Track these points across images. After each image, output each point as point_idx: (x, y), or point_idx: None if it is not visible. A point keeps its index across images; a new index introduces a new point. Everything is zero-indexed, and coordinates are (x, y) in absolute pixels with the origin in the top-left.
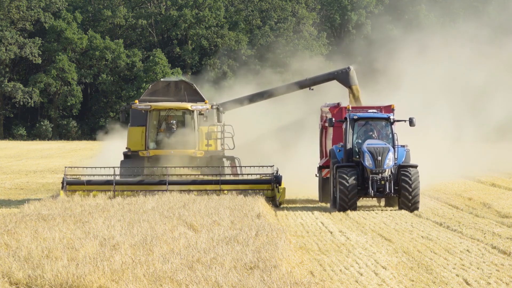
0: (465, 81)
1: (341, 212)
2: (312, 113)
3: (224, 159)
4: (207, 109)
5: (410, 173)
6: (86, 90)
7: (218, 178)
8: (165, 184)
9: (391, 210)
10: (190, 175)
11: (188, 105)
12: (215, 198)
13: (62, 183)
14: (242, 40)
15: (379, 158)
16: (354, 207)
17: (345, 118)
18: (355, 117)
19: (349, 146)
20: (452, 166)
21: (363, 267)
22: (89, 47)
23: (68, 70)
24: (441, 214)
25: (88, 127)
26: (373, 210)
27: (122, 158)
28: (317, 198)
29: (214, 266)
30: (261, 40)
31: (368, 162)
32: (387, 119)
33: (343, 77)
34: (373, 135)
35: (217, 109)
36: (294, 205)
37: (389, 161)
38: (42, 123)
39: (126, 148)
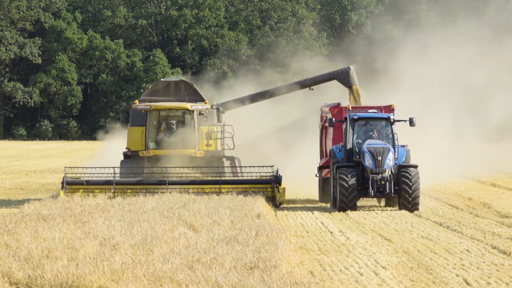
0: (465, 81)
1: (341, 212)
2: (312, 113)
3: (224, 159)
4: (207, 109)
5: (410, 173)
6: (86, 90)
7: (218, 178)
8: (165, 184)
9: (391, 210)
10: (190, 173)
11: (188, 105)
12: (215, 198)
13: (62, 183)
14: (242, 40)
15: (379, 158)
16: (354, 207)
17: (345, 118)
18: (355, 117)
19: (349, 146)
20: (452, 166)
21: (363, 267)
22: (89, 47)
23: (68, 70)
24: (441, 214)
25: (88, 127)
26: (373, 210)
27: (122, 158)
28: (317, 198)
29: (214, 266)
30: (261, 40)
31: (368, 162)
32: (387, 119)
33: (343, 77)
34: (373, 135)
35: (217, 109)
36: (294, 205)
37: (389, 161)
38: (42, 123)
39: (126, 148)
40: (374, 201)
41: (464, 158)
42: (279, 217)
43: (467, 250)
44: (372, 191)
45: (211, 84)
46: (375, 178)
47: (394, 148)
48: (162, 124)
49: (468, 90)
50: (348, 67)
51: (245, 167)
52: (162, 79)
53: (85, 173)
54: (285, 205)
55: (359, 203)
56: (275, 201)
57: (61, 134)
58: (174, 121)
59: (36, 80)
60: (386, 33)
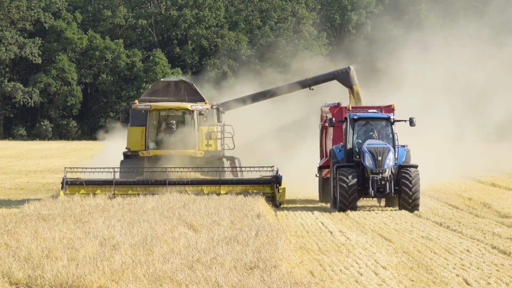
0: (465, 81)
1: (341, 212)
2: (312, 113)
3: (224, 159)
4: (207, 109)
5: (410, 173)
6: (86, 90)
7: (218, 178)
8: (165, 184)
9: (391, 210)
10: (190, 172)
11: (188, 105)
12: (215, 198)
13: (62, 183)
14: (242, 40)
15: (379, 158)
16: (354, 207)
17: (345, 118)
18: (355, 117)
19: (349, 146)
20: (452, 166)
21: (363, 267)
22: (89, 47)
23: (68, 70)
24: (441, 214)
25: (88, 127)
26: (373, 210)
27: (122, 158)
28: (317, 198)
29: (214, 266)
30: (261, 40)
31: (368, 162)
32: (387, 119)
33: (343, 77)
34: (374, 135)
35: (217, 109)
36: (294, 205)
37: (389, 161)
38: (42, 123)
39: (126, 148)
40: (374, 201)
41: (464, 158)
42: (279, 217)
43: (467, 250)
44: (372, 191)
45: (211, 84)
46: (375, 178)
47: (394, 148)
48: (162, 124)
49: (468, 90)
50: (348, 67)
51: (245, 168)
52: (162, 79)
53: (85, 173)
54: (285, 205)
55: (359, 203)
56: (275, 201)
57: (61, 134)
58: (174, 121)
59: (36, 80)
60: (386, 33)
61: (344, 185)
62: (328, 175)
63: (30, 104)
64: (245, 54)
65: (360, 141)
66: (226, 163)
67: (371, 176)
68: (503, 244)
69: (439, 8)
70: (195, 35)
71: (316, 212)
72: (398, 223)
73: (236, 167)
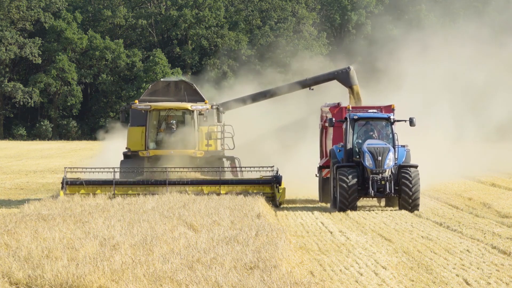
0: (465, 81)
1: (341, 212)
2: (312, 113)
3: (224, 159)
4: (207, 109)
5: (410, 173)
6: (86, 90)
7: (218, 178)
8: (165, 184)
9: (391, 210)
10: (190, 172)
11: (188, 105)
12: (215, 198)
13: (62, 183)
14: (242, 40)
15: (380, 158)
16: (354, 207)
17: (345, 118)
18: (355, 117)
19: (349, 146)
20: (452, 166)
21: (363, 267)
22: (89, 47)
23: (68, 70)
24: (441, 214)
25: (88, 127)
26: (373, 210)
27: (122, 158)
28: (317, 198)
29: (214, 266)
30: (261, 40)
31: (368, 162)
32: (387, 119)
33: (343, 77)
34: (374, 135)
35: (217, 109)
36: (294, 205)
37: (390, 161)
38: (42, 123)
39: (126, 148)
40: (374, 201)
41: (464, 158)
42: (279, 217)
43: (467, 250)
44: (372, 191)
45: (211, 84)
46: (375, 178)
47: (394, 148)
48: (162, 124)
49: (469, 90)
50: (348, 67)
51: (245, 168)
52: (162, 79)
53: (85, 173)
54: (285, 205)
55: (359, 203)
56: (275, 201)
57: (61, 134)
58: (174, 121)
59: (36, 80)
60: (386, 33)
61: (344, 185)
62: (328, 175)
63: (30, 104)
64: (245, 54)
65: (360, 141)
66: (226, 163)
67: (371, 176)
68: (503, 244)
69: (439, 8)
70: (195, 35)
71: (316, 212)
72: (398, 223)
73: (236, 167)
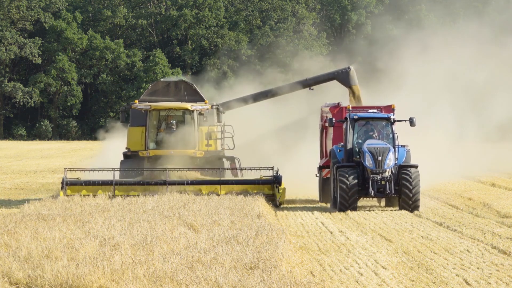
0: (466, 81)
1: (341, 212)
2: (312, 113)
3: (224, 159)
4: (207, 109)
5: (410, 173)
6: (86, 90)
7: (218, 178)
8: (164, 184)
9: (391, 210)
10: (191, 172)
11: (188, 105)
12: (215, 198)
13: (62, 183)
14: (242, 40)
15: (380, 158)
16: (354, 207)
17: (346, 118)
18: (356, 117)
19: (349, 146)
20: (452, 166)
21: (363, 267)
22: (89, 47)
23: (68, 70)
24: (441, 214)
25: (88, 127)
26: (373, 210)
27: (122, 158)
28: (317, 198)
29: (214, 266)
30: (261, 40)
31: (368, 162)
32: (388, 119)
33: (343, 77)
34: (374, 135)
35: (217, 109)
36: (294, 205)
37: (390, 161)
38: (42, 123)
39: (126, 148)
40: (374, 201)
41: (464, 158)
42: (279, 217)
43: (467, 250)
44: (373, 191)
45: (211, 84)
46: (375, 178)
47: (394, 148)
48: (162, 124)
49: (469, 90)
50: (348, 67)
51: (245, 168)
52: (162, 79)
53: (85, 172)
54: (285, 205)
55: (359, 203)
56: (275, 201)
57: (61, 134)
58: (174, 121)
59: (36, 80)
60: (386, 33)
61: (344, 185)
62: (328, 175)
63: (30, 104)
64: (245, 54)
65: (360, 141)
66: (226, 163)
67: (371, 176)
68: (503, 244)
69: (440, 8)
70: (195, 35)
71: (316, 212)
72: (398, 223)
73: (236, 167)
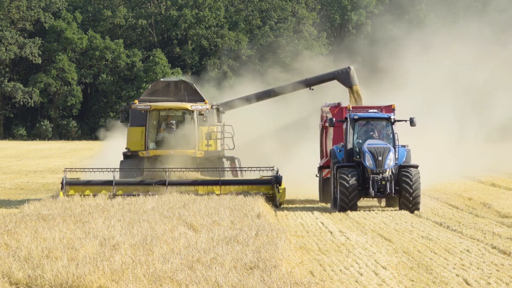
0: (467, 81)
1: (341, 212)
2: (312, 113)
3: (224, 160)
4: (207, 109)
5: (411, 174)
6: (86, 90)
7: (218, 178)
8: (164, 184)
9: (391, 210)
10: (191, 170)
11: (188, 105)
12: (215, 198)
13: (62, 183)
14: (242, 40)
15: (380, 158)
16: (354, 207)
17: (346, 118)
18: (356, 117)
19: (349, 146)
20: (453, 166)
21: (363, 267)
22: (89, 47)
23: (68, 70)
24: (441, 214)
25: (88, 127)
26: (373, 210)
27: (122, 158)
28: (317, 198)
29: (214, 266)
30: (261, 40)
31: (368, 162)
32: (388, 119)
33: (343, 77)
34: (374, 135)
35: (217, 109)
36: (294, 205)
37: (390, 161)
38: (42, 123)
39: (126, 148)
40: (374, 201)
41: (464, 158)
42: (279, 217)
43: (467, 250)
44: (373, 191)
45: (212, 84)
46: (376, 178)
47: (394, 148)
48: (162, 124)
49: (470, 89)
50: (349, 67)
51: (246, 169)
52: (162, 79)
53: (84, 174)
54: (285, 205)
55: (359, 203)
56: (275, 201)
57: (61, 134)
58: (174, 121)
59: (36, 80)
60: (386, 33)
61: (345, 185)
62: (328, 175)
63: (30, 104)
64: (245, 54)
65: (360, 141)
66: (226, 163)
67: (371, 176)
68: (503, 244)
69: (440, 8)
70: (195, 35)
71: (316, 212)
72: (398, 223)
73: (236, 167)
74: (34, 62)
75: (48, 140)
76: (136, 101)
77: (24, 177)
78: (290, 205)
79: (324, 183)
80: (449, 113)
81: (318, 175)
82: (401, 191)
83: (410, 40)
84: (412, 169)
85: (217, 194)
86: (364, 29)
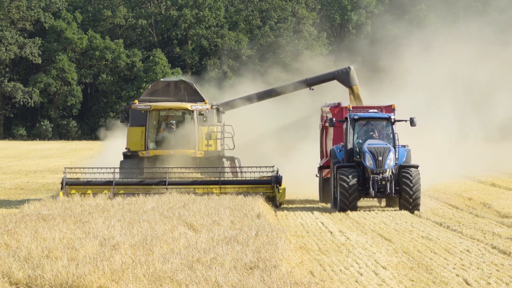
0: (467, 81)
1: (341, 212)
2: (312, 113)
3: (224, 159)
4: (207, 109)
5: (411, 174)
6: (86, 90)
7: (218, 178)
8: (164, 184)
9: (391, 210)
10: (191, 172)
11: (188, 105)
12: (215, 198)
13: (62, 183)
14: (242, 40)
15: (380, 158)
16: (354, 208)
17: (346, 118)
18: (356, 117)
19: (349, 146)
20: (453, 166)
21: (363, 267)
22: (89, 47)
23: (68, 70)
24: (441, 214)
25: (88, 127)
26: (373, 210)
27: (122, 158)
28: (317, 198)
29: (214, 266)
30: (261, 40)
31: (369, 162)
32: (388, 119)
33: (343, 77)
34: (374, 135)
35: (217, 109)
36: (294, 205)
37: (390, 161)
38: (42, 123)
39: (126, 148)
40: (374, 201)
41: (464, 158)
42: (279, 217)
43: (467, 250)
44: (373, 191)
45: (212, 84)
46: (376, 178)
47: (394, 148)
48: (162, 124)
49: (471, 89)
50: (349, 67)
51: (246, 170)
52: (162, 79)
53: (85, 173)
54: (285, 205)
55: (359, 203)
56: (275, 202)
57: (61, 134)
58: (174, 121)
59: (36, 80)
60: (386, 33)
61: (345, 185)
62: (329, 175)
63: (30, 104)
64: (245, 54)
65: (360, 141)
66: (226, 163)
67: (371, 176)
68: (503, 244)
69: (440, 8)
70: (195, 35)
71: (316, 212)
72: (398, 223)
73: (236, 167)
74: (34, 62)
75: (48, 140)
76: (136, 101)
77: (24, 177)
78: (290, 205)
79: (324, 183)
80: (449, 113)
81: (318, 175)
82: (401, 191)
83: (410, 40)
84: (412, 169)
85: (217, 194)
86: (364, 29)
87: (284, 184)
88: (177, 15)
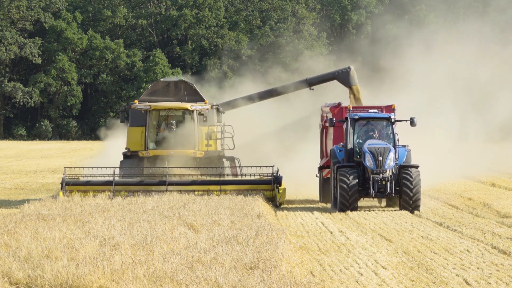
0: (468, 80)
1: (341, 212)
2: (312, 113)
3: (224, 159)
4: (207, 109)
5: (411, 174)
6: (86, 90)
7: (218, 178)
8: (164, 184)
9: (391, 210)
10: (191, 174)
11: (188, 105)
12: (215, 198)
13: (61, 183)
14: (242, 40)
15: (380, 158)
16: (354, 208)
17: (346, 118)
18: (356, 117)
19: (349, 146)
20: (453, 166)
21: (363, 267)
22: (89, 47)
23: (68, 70)
24: (441, 214)
25: (88, 127)
26: (373, 210)
27: (122, 158)
28: (317, 198)
29: (214, 266)
30: (261, 40)
31: (369, 162)
32: (388, 119)
33: (343, 77)
34: (374, 135)
35: (217, 109)
36: (294, 205)
37: (390, 161)
38: (42, 123)
39: (126, 148)
40: (374, 201)
41: (464, 158)
42: (279, 217)
43: (467, 250)
44: (373, 191)
45: (212, 84)
46: (376, 178)
47: (395, 148)
48: (162, 124)
49: (471, 89)
50: (349, 67)
51: (246, 171)
52: (162, 79)
53: (85, 174)
54: (285, 205)
55: (359, 203)
56: (275, 201)
57: (61, 134)
58: (174, 121)
59: (36, 80)
60: (386, 33)
61: (345, 185)
62: (329, 175)
63: (30, 104)
64: (245, 54)
65: (360, 141)
66: (226, 163)
67: (371, 176)
68: (503, 244)
69: (440, 8)
70: (195, 35)
71: (316, 212)
72: (398, 223)
73: (236, 167)
74: (34, 62)
75: (48, 140)
76: (136, 101)
77: (24, 177)
78: (290, 205)
79: (324, 183)
80: (449, 113)
81: (318, 175)
82: (402, 191)
83: (411, 40)
84: (412, 169)
85: (217, 194)
86: (364, 29)
87: (284, 184)
88: (177, 15)
